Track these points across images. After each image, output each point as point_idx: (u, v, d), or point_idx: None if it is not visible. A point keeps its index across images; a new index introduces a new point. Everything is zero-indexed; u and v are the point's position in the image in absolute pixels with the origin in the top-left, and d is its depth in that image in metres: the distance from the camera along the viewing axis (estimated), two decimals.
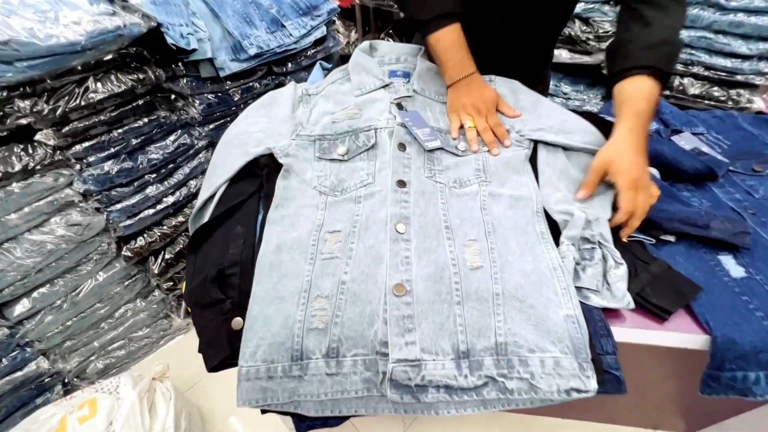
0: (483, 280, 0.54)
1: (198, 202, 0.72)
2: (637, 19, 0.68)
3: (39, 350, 1.15)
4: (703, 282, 0.59)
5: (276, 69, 1.38)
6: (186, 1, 1.21)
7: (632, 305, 0.56)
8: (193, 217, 0.73)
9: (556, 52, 1.71)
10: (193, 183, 1.31)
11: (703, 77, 1.34)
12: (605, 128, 0.73)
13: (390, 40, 2.44)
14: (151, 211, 1.23)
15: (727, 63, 1.27)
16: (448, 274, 0.54)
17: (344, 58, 0.85)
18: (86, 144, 1.07)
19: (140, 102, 1.11)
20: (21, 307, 1.07)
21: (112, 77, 1.04)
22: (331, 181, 0.67)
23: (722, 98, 1.32)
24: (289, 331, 0.52)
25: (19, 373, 1.11)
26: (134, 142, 1.14)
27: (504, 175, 0.68)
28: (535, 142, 0.72)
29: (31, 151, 0.99)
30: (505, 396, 0.49)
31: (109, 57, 1.02)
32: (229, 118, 1.32)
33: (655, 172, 0.74)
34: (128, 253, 1.22)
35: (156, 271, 1.29)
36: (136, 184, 1.18)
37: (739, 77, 1.29)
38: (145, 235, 1.25)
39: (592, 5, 1.44)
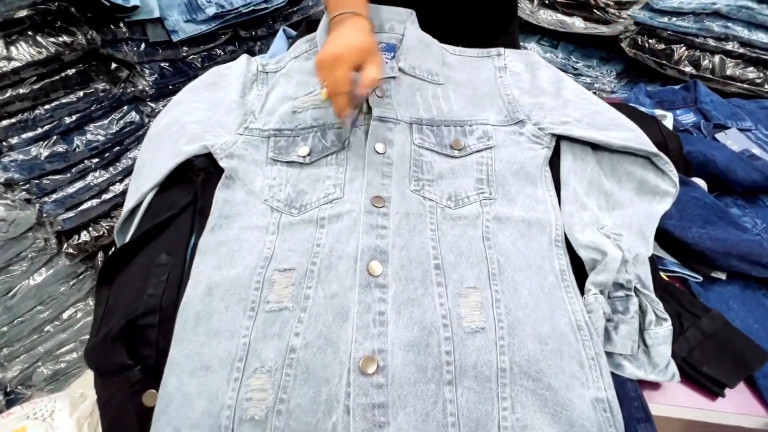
0: (485, 348, 0.40)
1: (123, 212, 0.56)
2: None
3: None
4: (766, 341, 0.45)
5: (243, 33, 1.18)
6: None
7: (678, 378, 0.42)
8: (119, 229, 0.57)
9: (568, 19, 1.50)
10: None
11: (738, 55, 1.16)
12: (642, 122, 0.57)
13: None
14: (96, 201, 1.06)
15: None
16: (437, 340, 0.40)
17: (313, 25, 0.66)
18: (4, 123, 0.88)
19: (71, 71, 0.91)
20: None
21: (30, 40, 0.84)
22: (287, 193, 0.51)
23: (758, 80, 1.14)
24: (214, 422, 0.37)
25: None
26: (67, 120, 0.95)
27: (514, 189, 0.52)
28: (558, 140, 0.56)
29: None
30: None
31: (24, 14, 0.82)
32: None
33: (702, 183, 0.58)
34: (71, 250, 1.05)
35: None
36: (74, 170, 1.00)
37: None
38: (90, 229, 1.08)
39: None
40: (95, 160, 1.02)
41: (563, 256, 0.48)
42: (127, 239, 0.53)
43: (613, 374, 0.41)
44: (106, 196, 1.07)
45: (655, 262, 0.50)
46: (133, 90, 1.05)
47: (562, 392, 0.38)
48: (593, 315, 0.43)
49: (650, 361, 0.43)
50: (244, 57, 0.64)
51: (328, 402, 0.37)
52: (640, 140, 0.52)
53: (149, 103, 1.10)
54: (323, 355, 0.39)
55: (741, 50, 1.14)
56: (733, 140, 0.68)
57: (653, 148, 0.51)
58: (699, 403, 0.43)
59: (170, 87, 1.10)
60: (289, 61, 0.64)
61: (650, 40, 1.30)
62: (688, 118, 0.75)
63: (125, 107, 1.04)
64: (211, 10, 1.02)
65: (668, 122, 0.69)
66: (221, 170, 0.53)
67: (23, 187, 0.94)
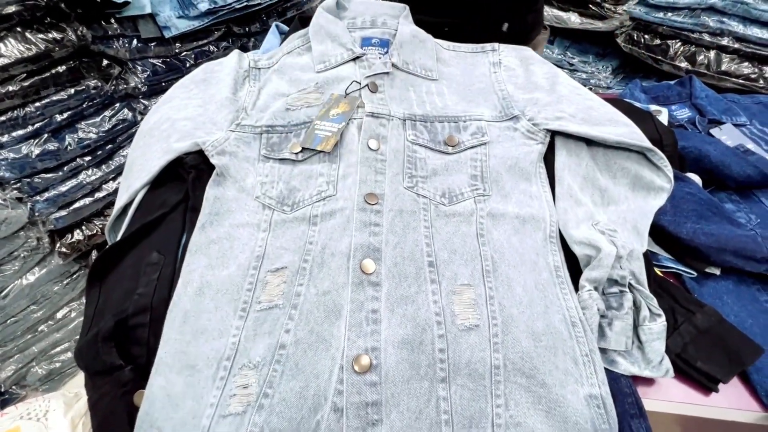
0: (478, 345, 0.39)
1: (114, 211, 0.55)
2: None
3: None
4: (759, 334, 0.46)
5: (236, 29, 1.16)
6: None
7: (672, 374, 0.42)
8: (110, 228, 0.56)
9: (564, 15, 1.50)
10: None
11: (733, 50, 1.16)
12: (636, 118, 0.57)
13: None
14: (89, 199, 1.05)
15: (765, 34, 1.09)
16: (430, 338, 0.39)
17: (305, 20, 0.66)
18: None
19: (61, 68, 0.90)
20: None
21: (19, 37, 0.83)
22: (280, 190, 0.51)
23: (753, 75, 1.14)
24: (197, 422, 0.37)
25: None
26: (59, 118, 0.94)
27: (509, 185, 0.51)
28: (552, 135, 0.55)
29: None
30: None
31: (12, 9, 0.80)
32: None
33: (696, 178, 0.58)
34: (64, 249, 1.05)
35: None
36: (66, 168, 0.99)
37: None
38: (83, 228, 1.07)
39: None
40: (87, 158, 1.01)
41: (558, 252, 0.47)
42: (119, 238, 0.52)
43: (607, 370, 0.41)
44: (98, 195, 1.06)
45: (649, 257, 0.49)
46: (125, 87, 1.03)
47: (556, 389, 0.38)
48: (587, 311, 0.42)
49: (644, 357, 0.42)
50: (235, 53, 0.64)
51: (315, 398, 0.37)
52: (635, 136, 0.52)
53: (142, 101, 1.08)
54: (314, 352, 0.39)
55: (736, 45, 1.14)
56: (727, 135, 0.68)
57: (648, 144, 0.51)
58: (693, 399, 0.43)
59: (163, 84, 1.08)
60: (282, 56, 0.63)
61: (646, 36, 1.29)
62: (683, 113, 0.75)
63: (117, 104, 1.03)
64: (203, 6, 1.01)
65: (663, 117, 0.69)
66: (212, 167, 0.52)
67: (14, 186, 0.93)
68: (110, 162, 1.06)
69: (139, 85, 1.04)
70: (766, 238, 0.51)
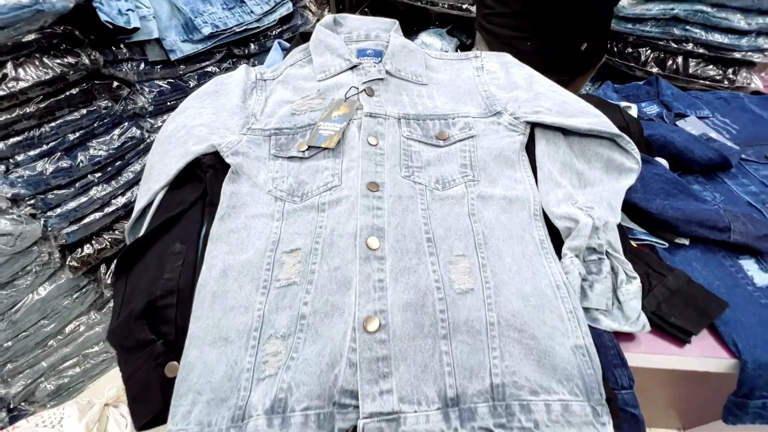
0: (474, 306, 0.44)
1: (134, 212, 0.60)
2: None
3: None
4: (725, 293, 0.51)
5: (236, 51, 1.24)
6: None
7: (648, 328, 0.47)
8: (130, 229, 0.61)
9: None
10: None
11: (698, 55, 1.25)
12: (606, 110, 0.64)
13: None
14: (99, 214, 1.09)
15: (724, 39, 1.18)
16: (431, 301, 0.44)
17: (306, 36, 0.73)
18: (11, 141, 0.92)
19: (75, 91, 0.96)
20: None
21: (37, 62, 0.89)
22: (289, 183, 0.56)
23: (717, 77, 1.24)
24: (234, 384, 0.41)
25: None
26: (71, 137, 0.99)
27: (495, 171, 0.57)
28: (532, 127, 0.62)
29: None
30: None
31: (31, 38, 0.87)
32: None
33: (663, 162, 0.64)
34: (74, 263, 1.08)
35: (109, 281, 1.16)
36: (77, 185, 1.03)
37: (736, 54, 1.21)
38: (93, 242, 1.11)
39: None
40: (98, 175, 1.06)
41: (542, 228, 0.53)
42: (141, 233, 0.57)
43: (590, 327, 0.46)
44: (108, 210, 1.11)
45: (624, 230, 0.55)
46: (133, 107, 1.10)
47: (545, 341, 0.43)
48: (570, 275, 0.48)
49: (623, 315, 0.48)
50: (243, 67, 0.70)
51: (332, 355, 0.41)
52: (605, 124, 0.59)
53: (148, 119, 1.14)
54: (330, 319, 0.43)
55: (700, 50, 1.24)
56: (692, 126, 0.75)
57: (617, 131, 0.57)
58: (669, 350, 0.48)
59: (168, 104, 1.15)
60: (285, 68, 0.70)
61: (618, 45, 1.39)
62: (652, 109, 0.82)
63: (126, 123, 1.09)
64: (206, 30, 1.09)
65: (633, 112, 0.76)
66: (227, 167, 0.57)
67: (29, 202, 0.98)
68: (119, 177, 1.11)
69: (146, 105, 1.10)
70: (728, 211, 0.57)
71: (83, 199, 1.05)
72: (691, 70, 1.27)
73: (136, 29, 0.98)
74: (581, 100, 0.64)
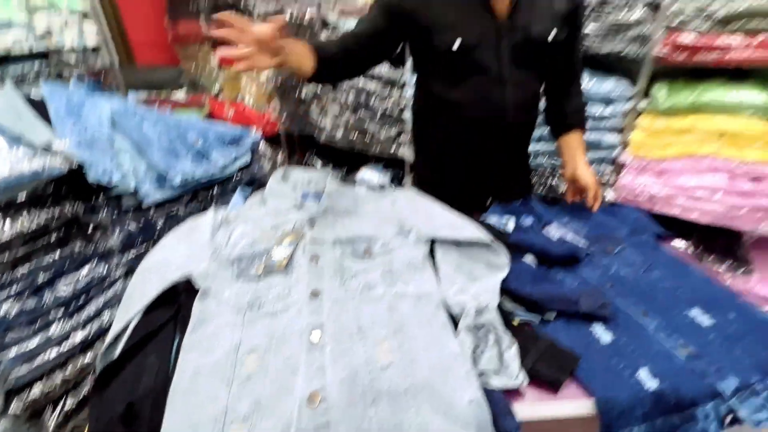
0: (395, 376, 0.59)
1: (109, 336, 0.71)
2: (563, 95, 1.16)
3: None
4: (581, 351, 0.69)
5: (201, 194, 1.45)
6: (112, 140, 1.28)
7: (527, 382, 0.63)
8: (103, 353, 0.70)
9: None
10: (106, 316, 1.23)
11: None
12: (486, 227, 0.89)
13: (314, 160, 2.69)
14: (54, 352, 1.11)
15: None
16: (362, 375, 0.58)
17: (262, 185, 0.96)
18: None
19: (53, 238, 1.09)
20: None
21: (24, 213, 1.03)
22: (249, 298, 0.71)
23: None
24: None
25: None
26: (41, 278, 1.08)
27: (408, 275, 0.77)
28: (432, 241, 0.84)
29: None
30: None
31: (24, 198, 1.02)
32: (150, 244, 1.32)
33: (531, 259, 0.88)
34: (17, 411, 1.05)
35: (52, 426, 1.12)
36: (38, 323, 1.09)
37: None
38: (42, 383, 1.11)
39: None
40: (61, 310, 1.12)
41: (444, 314, 0.71)
42: (115, 356, 0.67)
43: (485, 387, 0.61)
44: (64, 347, 1.13)
45: (505, 311, 0.74)
46: (103, 247, 1.22)
47: (449, 397, 0.57)
48: (464, 346, 0.64)
49: (507, 374, 0.63)
50: (212, 210, 0.90)
51: (284, 427, 0.52)
52: (483, 235, 0.82)
53: (115, 257, 1.26)
54: (282, 399, 0.55)
55: None
56: (554, 231, 1.02)
57: (491, 239, 0.81)
58: (546, 398, 0.63)
59: (136, 242, 1.29)
60: (246, 210, 0.91)
61: None
62: (528, 220, 1.10)
63: (94, 261, 1.20)
64: (177, 181, 1.31)
65: (511, 224, 1.03)
66: (196, 290, 0.72)
67: None
68: (80, 313, 1.17)
69: (115, 245, 1.24)
70: (577, 290, 0.79)
71: (41, 337, 1.09)
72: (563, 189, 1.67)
73: (116, 186, 1.18)
74: (467, 219, 0.89)
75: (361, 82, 2.12)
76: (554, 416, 0.63)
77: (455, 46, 0.97)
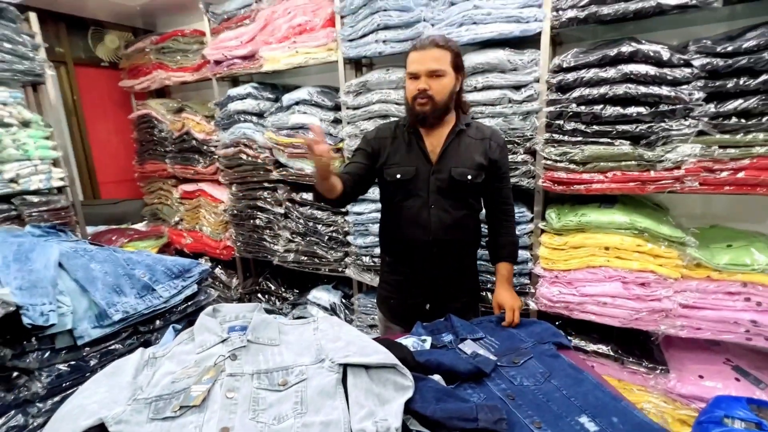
0: None
1: None
2: (498, 230, 1.52)
3: None
4: None
5: (142, 328, 1.46)
6: (55, 282, 1.34)
7: None
8: None
9: None
10: None
11: None
12: (393, 348, 0.98)
13: (268, 282, 2.77)
14: None
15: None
16: None
17: (192, 322, 1.03)
18: None
19: None
20: None
21: None
22: None
23: None
24: None
25: None
26: None
27: (319, 403, 0.82)
28: (344, 366, 0.91)
29: None
30: None
31: None
32: (79, 387, 1.28)
33: (439, 378, 0.96)
34: None
35: None
36: None
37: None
38: None
39: None
40: None
41: None
42: None
43: None
44: None
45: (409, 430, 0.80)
46: (25, 394, 1.19)
47: None
48: None
49: None
50: (139, 350, 0.95)
51: None
52: (389, 358, 0.91)
53: (38, 404, 1.21)
54: None
55: None
56: (468, 347, 1.12)
57: (396, 362, 0.90)
58: None
59: (63, 385, 1.25)
60: (174, 347, 0.96)
61: None
62: (447, 337, 1.20)
63: (12, 411, 1.15)
64: (117, 317, 1.33)
65: (428, 343, 1.13)
66: None
67: None
68: None
69: (40, 390, 1.20)
70: (479, 405, 0.87)
71: None
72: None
73: (52, 325, 1.20)
74: (377, 344, 0.98)
75: (308, 210, 2.35)
76: None
77: (397, 177, 1.44)
